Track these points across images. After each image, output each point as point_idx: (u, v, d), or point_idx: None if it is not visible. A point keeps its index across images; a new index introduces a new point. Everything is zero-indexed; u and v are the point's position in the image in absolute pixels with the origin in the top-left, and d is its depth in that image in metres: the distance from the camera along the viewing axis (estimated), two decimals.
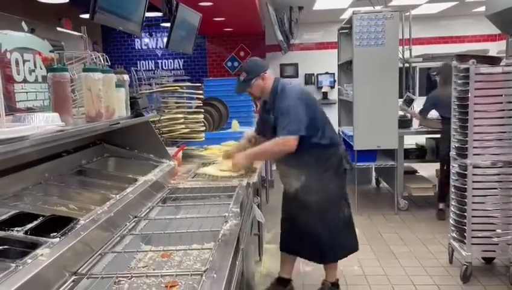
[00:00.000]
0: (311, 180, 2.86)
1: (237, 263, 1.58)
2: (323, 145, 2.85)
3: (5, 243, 1.20)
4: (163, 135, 3.18)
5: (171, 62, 9.17)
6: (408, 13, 5.46)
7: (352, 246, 3.06)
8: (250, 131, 3.37)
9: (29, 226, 1.30)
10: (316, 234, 2.88)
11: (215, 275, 1.30)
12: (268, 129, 2.91)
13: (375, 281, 3.43)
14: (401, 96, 5.21)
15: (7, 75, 1.66)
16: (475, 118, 3.21)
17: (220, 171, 2.76)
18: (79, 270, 1.31)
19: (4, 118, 1.20)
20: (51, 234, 1.27)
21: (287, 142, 2.72)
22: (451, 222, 3.51)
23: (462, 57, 3.37)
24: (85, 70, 1.87)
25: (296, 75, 9.09)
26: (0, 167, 1.46)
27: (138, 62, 9.11)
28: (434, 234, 4.37)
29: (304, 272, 3.41)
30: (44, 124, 1.47)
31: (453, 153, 3.48)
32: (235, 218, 1.81)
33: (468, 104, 3.22)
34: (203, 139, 3.55)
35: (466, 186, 3.28)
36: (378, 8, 5.14)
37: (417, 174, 5.72)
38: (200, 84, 4.17)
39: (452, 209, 3.49)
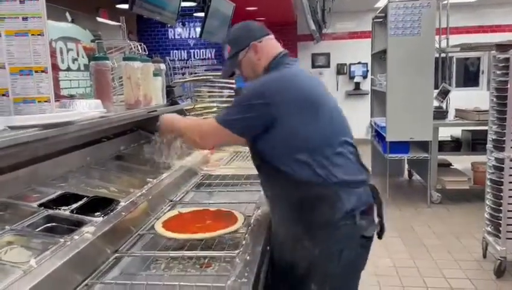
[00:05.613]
0: (281, 226, 1.65)
1: (268, 247, 1.62)
2: (310, 182, 1.52)
3: (53, 220, 1.29)
4: None
5: (203, 52, 9.24)
6: (445, 1, 5.30)
7: None
8: None
9: (74, 205, 1.38)
10: None
11: (248, 258, 1.34)
12: None
13: (406, 273, 3.41)
14: (436, 87, 5.09)
15: (52, 63, 1.75)
16: None
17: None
18: (120, 249, 1.38)
19: (54, 103, 1.28)
20: (95, 213, 1.35)
21: (208, 127, 1.69)
22: (486, 216, 3.43)
23: (502, 47, 3.27)
24: (125, 59, 1.94)
25: (327, 65, 9.01)
26: (48, 150, 1.55)
27: (171, 52, 9.23)
28: (467, 227, 4.28)
29: None
30: (88, 110, 1.54)
31: (489, 145, 3.39)
32: (266, 204, 1.85)
33: (507, 96, 3.13)
34: None
35: (502, 180, 3.20)
36: None
37: (451, 167, 5.59)
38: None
39: (487, 203, 3.41)
